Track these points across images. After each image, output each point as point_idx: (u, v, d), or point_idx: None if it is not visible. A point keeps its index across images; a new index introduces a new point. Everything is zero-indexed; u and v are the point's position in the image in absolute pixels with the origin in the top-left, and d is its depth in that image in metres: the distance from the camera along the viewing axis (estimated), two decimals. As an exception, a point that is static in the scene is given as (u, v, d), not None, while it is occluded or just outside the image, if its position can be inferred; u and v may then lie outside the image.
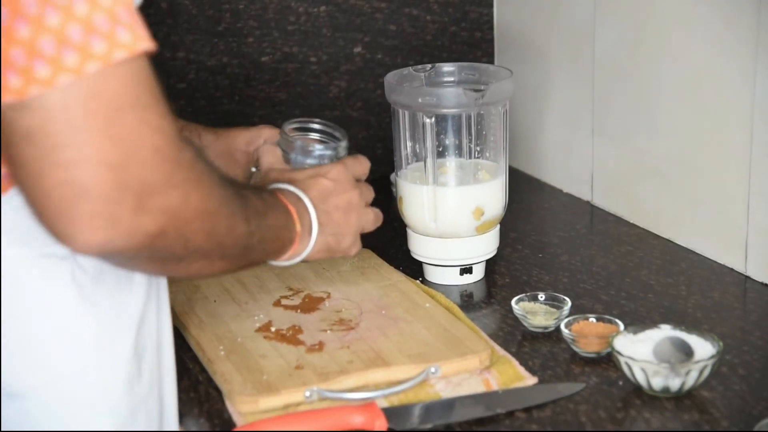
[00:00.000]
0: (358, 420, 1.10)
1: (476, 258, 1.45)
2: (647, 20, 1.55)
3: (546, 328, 1.30)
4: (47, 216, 0.83)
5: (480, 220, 1.43)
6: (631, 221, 1.64)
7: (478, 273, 1.47)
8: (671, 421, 1.11)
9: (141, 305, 1.00)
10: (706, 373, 1.13)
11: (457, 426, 1.11)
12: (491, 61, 1.93)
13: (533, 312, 1.31)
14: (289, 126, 1.33)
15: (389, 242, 1.57)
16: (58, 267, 0.93)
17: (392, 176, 1.70)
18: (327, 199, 1.20)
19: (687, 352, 1.16)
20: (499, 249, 1.49)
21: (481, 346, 1.23)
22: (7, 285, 0.92)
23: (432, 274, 1.46)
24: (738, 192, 1.42)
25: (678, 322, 1.28)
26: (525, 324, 1.31)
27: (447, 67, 1.51)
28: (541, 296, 1.34)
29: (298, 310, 1.35)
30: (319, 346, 1.24)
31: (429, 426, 1.11)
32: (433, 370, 1.19)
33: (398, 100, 1.44)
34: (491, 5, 1.91)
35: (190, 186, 0.90)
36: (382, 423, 1.10)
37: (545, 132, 1.83)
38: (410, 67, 1.50)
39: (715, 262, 1.48)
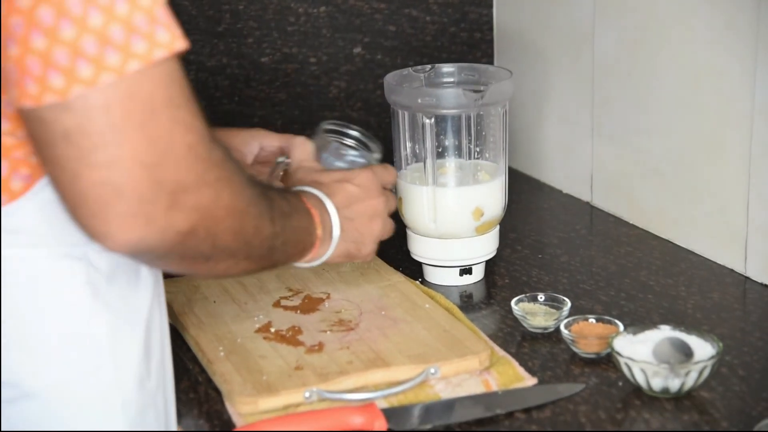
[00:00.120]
0: (357, 420, 1.10)
1: (476, 259, 1.45)
2: (647, 20, 1.55)
3: (546, 328, 1.30)
4: (82, 215, 0.84)
5: (479, 221, 1.43)
6: (631, 222, 1.64)
7: (478, 274, 1.47)
8: (671, 421, 1.11)
9: (148, 303, 1.01)
10: (706, 373, 1.13)
11: (456, 427, 1.11)
12: (491, 62, 1.93)
13: (533, 313, 1.31)
14: (327, 126, 1.33)
15: (389, 243, 1.56)
16: (74, 267, 0.94)
17: (392, 177, 1.70)
18: (351, 205, 1.21)
19: (687, 352, 1.16)
20: (498, 250, 1.49)
21: (481, 346, 1.23)
22: (24, 286, 0.92)
23: (432, 275, 1.46)
24: (738, 193, 1.42)
25: (678, 322, 1.28)
26: (525, 325, 1.31)
27: (446, 68, 1.51)
28: (541, 297, 1.34)
29: (298, 311, 1.35)
30: (319, 347, 1.24)
31: (428, 427, 1.11)
32: (432, 370, 1.19)
33: (398, 101, 1.44)
34: (491, 6, 1.91)
35: (221, 184, 0.91)
36: (381, 423, 1.10)
37: (545, 132, 1.83)
38: (410, 68, 1.50)
39: (715, 262, 1.48)
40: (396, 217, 1.48)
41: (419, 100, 1.41)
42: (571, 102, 1.75)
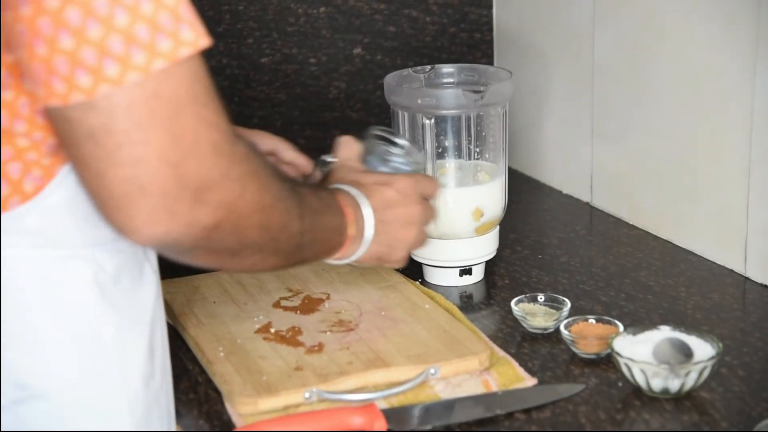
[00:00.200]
0: (357, 421, 1.10)
1: (476, 259, 1.45)
2: (647, 21, 1.55)
3: (545, 329, 1.30)
4: (109, 211, 0.86)
5: (479, 222, 1.43)
6: (631, 222, 1.64)
7: (478, 274, 1.47)
8: (671, 422, 1.11)
9: (152, 303, 1.01)
10: (706, 374, 1.13)
11: (456, 427, 1.11)
12: (491, 63, 1.93)
13: (533, 313, 1.31)
14: (375, 131, 1.33)
15: (389, 243, 1.57)
16: (81, 268, 0.94)
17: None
18: (388, 209, 1.21)
19: (686, 353, 1.16)
20: (498, 250, 1.49)
21: (481, 347, 1.23)
22: (34, 287, 0.93)
23: (431, 275, 1.46)
24: (737, 193, 1.42)
25: (677, 323, 1.28)
26: (524, 325, 1.31)
27: (446, 69, 1.51)
28: (541, 297, 1.34)
29: (298, 312, 1.35)
30: (319, 347, 1.24)
31: (428, 427, 1.11)
32: (432, 371, 1.19)
33: (398, 102, 1.44)
34: (490, 6, 1.91)
35: (246, 180, 0.92)
36: (381, 424, 1.10)
37: (545, 133, 1.83)
38: (410, 69, 1.51)
39: (715, 263, 1.48)
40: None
41: (419, 101, 1.41)
42: (570, 102, 1.75)
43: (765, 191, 1.39)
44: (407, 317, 1.32)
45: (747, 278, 1.43)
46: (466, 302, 1.41)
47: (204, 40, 0.86)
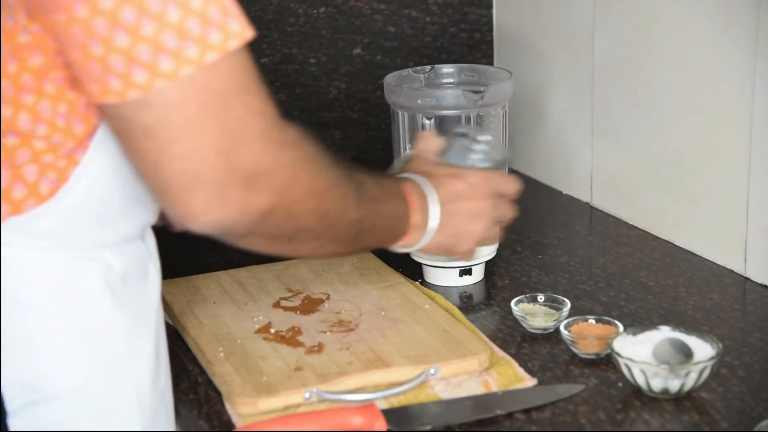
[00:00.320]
0: (357, 421, 1.10)
1: (475, 259, 1.45)
2: (647, 21, 1.55)
3: (545, 329, 1.30)
4: (167, 201, 0.89)
5: (479, 222, 1.43)
6: (631, 222, 1.64)
7: (478, 274, 1.47)
8: (671, 422, 1.11)
9: (156, 303, 1.02)
10: (706, 374, 1.13)
11: (456, 427, 1.11)
12: (490, 63, 1.93)
13: (532, 313, 1.31)
14: (459, 129, 1.33)
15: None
16: (92, 269, 0.95)
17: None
18: (456, 201, 1.20)
19: (686, 353, 1.16)
20: (498, 250, 1.49)
21: (481, 347, 1.23)
22: (46, 288, 0.93)
23: (431, 276, 1.46)
24: (737, 193, 1.42)
25: (677, 323, 1.28)
26: (524, 325, 1.31)
27: (446, 69, 1.52)
28: (541, 297, 1.34)
29: (298, 312, 1.35)
30: (319, 348, 1.24)
31: (428, 427, 1.11)
32: (432, 371, 1.19)
33: (398, 102, 1.44)
34: (490, 6, 1.91)
35: (298, 165, 0.94)
36: (381, 424, 1.10)
37: (545, 133, 1.83)
38: (410, 69, 1.51)
39: (715, 263, 1.48)
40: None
41: (419, 101, 1.41)
42: (570, 103, 1.75)
43: (765, 191, 1.39)
44: (407, 317, 1.32)
45: (747, 278, 1.43)
46: (466, 302, 1.41)
47: (249, 32, 0.88)
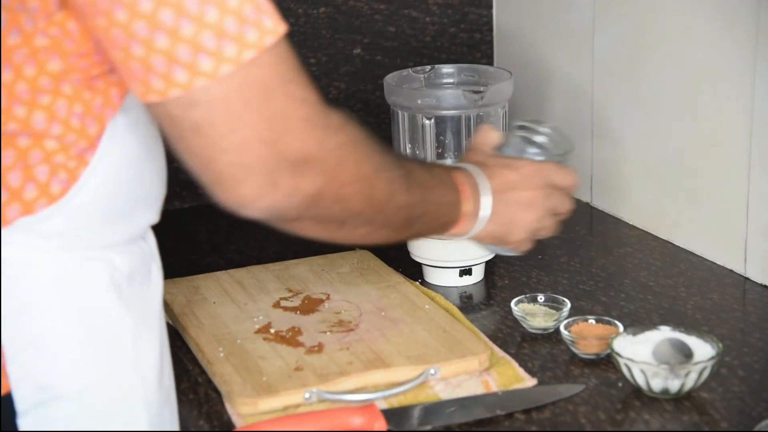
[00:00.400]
0: (357, 421, 1.10)
1: (475, 259, 1.45)
2: (647, 22, 1.55)
3: (545, 329, 1.30)
4: (219, 192, 0.91)
5: (479, 222, 1.43)
6: (631, 223, 1.64)
7: (478, 274, 1.47)
8: (671, 422, 1.11)
9: (159, 302, 1.03)
10: (706, 374, 1.13)
11: (456, 427, 1.11)
12: (490, 63, 1.93)
13: (532, 313, 1.31)
14: (519, 122, 1.31)
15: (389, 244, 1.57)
16: (100, 269, 0.96)
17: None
18: (508, 190, 1.20)
19: (686, 353, 1.16)
20: (498, 250, 1.49)
21: (481, 347, 1.23)
22: (55, 289, 0.94)
23: (431, 276, 1.46)
24: (737, 193, 1.42)
25: (677, 323, 1.28)
26: (524, 325, 1.31)
27: (446, 69, 1.52)
28: (541, 298, 1.34)
29: (298, 312, 1.35)
30: (319, 348, 1.24)
31: (428, 427, 1.11)
32: (432, 371, 1.19)
33: (398, 102, 1.44)
34: (490, 7, 1.91)
35: (344, 149, 0.96)
36: (381, 424, 1.10)
37: (545, 133, 1.83)
38: (410, 69, 1.51)
39: (715, 263, 1.48)
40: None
41: (419, 101, 1.41)
42: (570, 103, 1.75)
43: (765, 191, 1.39)
44: (407, 317, 1.32)
45: (747, 278, 1.43)
46: (466, 302, 1.41)
47: (282, 27, 0.90)
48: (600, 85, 1.67)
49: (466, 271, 1.45)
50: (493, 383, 1.19)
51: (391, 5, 1.85)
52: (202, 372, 1.24)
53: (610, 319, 1.27)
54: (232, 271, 1.47)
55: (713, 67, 1.44)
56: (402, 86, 1.46)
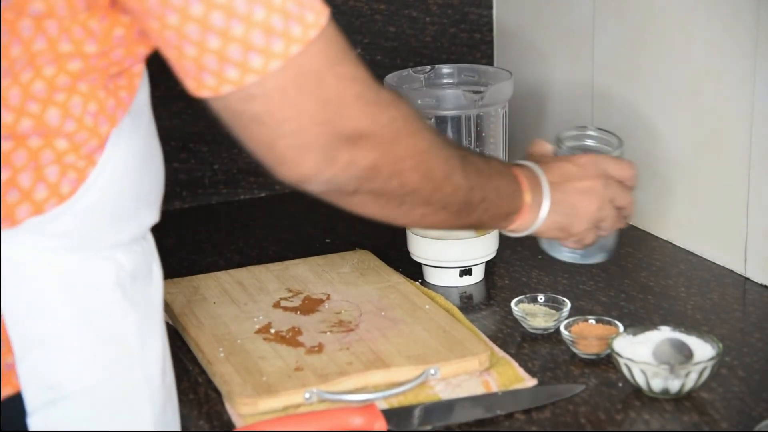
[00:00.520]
0: (357, 421, 1.10)
1: (476, 260, 1.45)
2: (647, 22, 1.55)
3: (545, 329, 1.30)
4: (282, 172, 0.96)
5: (479, 222, 1.43)
6: (631, 223, 1.64)
7: (478, 275, 1.47)
8: (671, 422, 1.11)
9: (160, 301, 1.03)
10: (706, 374, 1.13)
11: (456, 427, 1.11)
12: (491, 63, 1.93)
13: (533, 313, 1.31)
14: (566, 133, 1.32)
15: (389, 244, 1.57)
16: (106, 269, 0.97)
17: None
18: (567, 181, 1.21)
19: (686, 353, 1.16)
20: (498, 251, 1.49)
21: (481, 347, 1.23)
22: (64, 289, 0.95)
23: (431, 276, 1.46)
24: (737, 194, 1.42)
25: (677, 323, 1.28)
26: (524, 325, 1.31)
27: (446, 69, 1.51)
28: (541, 298, 1.34)
29: (298, 312, 1.35)
30: (319, 348, 1.24)
31: (428, 428, 1.11)
32: (432, 371, 1.19)
33: (398, 102, 1.44)
34: (491, 7, 1.91)
35: (397, 124, 0.99)
36: (381, 424, 1.10)
37: (545, 134, 1.83)
38: (410, 69, 1.51)
39: (715, 263, 1.48)
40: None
41: (419, 101, 1.41)
42: (570, 103, 1.75)
43: (765, 191, 1.39)
44: (407, 318, 1.32)
45: (747, 278, 1.43)
46: (466, 303, 1.41)
47: (323, 17, 0.92)
48: (600, 85, 1.67)
49: (466, 271, 1.45)
50: (494, 383, 1.19)
51: (391, 5, 1.85)
52: (202, 372, 1.24)
53: (610, 319, 1.27)
54: (232, 271, 1.47)
55: (713, 67, 1.44)
56: (402, 86, 1.46)
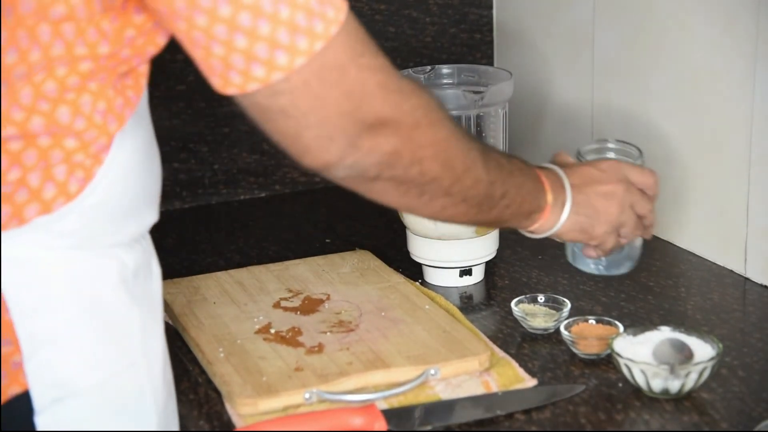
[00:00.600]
0: (357, 421, 1.10)
1: (476, 260, 1.45)
2: (647, 22, 1.55)
3: (546, 329, 1.30)
4: (309, 159, 0.98)
5: (479, 222, 1.43)
6: (631, 223, 1.64)
7: (478, 275, 1.47)
8: (671, 422, 1.11)
9: (160, 299, 1.04)
10: (706, 374, 1.13)
11: (456, 428, 1.11)
12: (491, 63, 1.93)
13: (533, 314, 1.31)
14: (587, 147, 1.34)
15: (389, 244, 1.57)
16: (110, 267, 0.97)
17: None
18: (589, 184, 1.22)
19: (686, 353, 1.16)
20: (498, 251, 1.49)
21: (481, 347, 1.23)
22: (70, 287, 0.95)
23: (431, 276, 1.46)
24: (737, 194, 1.42)
25: (677, 323, 1.28)
26: (524, 326, 1.31)
27: (446, 69, 1.51)
28: (541, 298, 1.34)
29: (298, 312, 1.35)
30: (319, 348, 1.25)
31: (428, 428, 1.11)
32: (432, 371, 1.19)
33: (398, 102, 1.44)
34: (491, 7, 1.91)
35: (419, 112, 1.01)
36: (381, 425, 1.10)
37: (545, 134, 1.83)
38: (410, 69, 1.51)
39: (715, 263, 1.48)
40: (395, 217, 1.48)
41: (419, 101, 1.41)
42: (571, 103, 1.75)
43: (765, 191, 1.39)
44: (407, 318, 1.32)
45: (747, 279, 1.43)
46: (466, 303, 1.41)
47: (343, 13, 0.94)
48: (599, 86, 1.67)
49: (466, 272, 1.45)
50: (494, 383, 1.19)
51: (391, 5, 1.85)
52: (202, 372, 1.24)
53: (611, 320, 1.27)
54: (232, 272, 1.47)
55: (713, 67, 1.44)
56: (402, 86, 1.46)
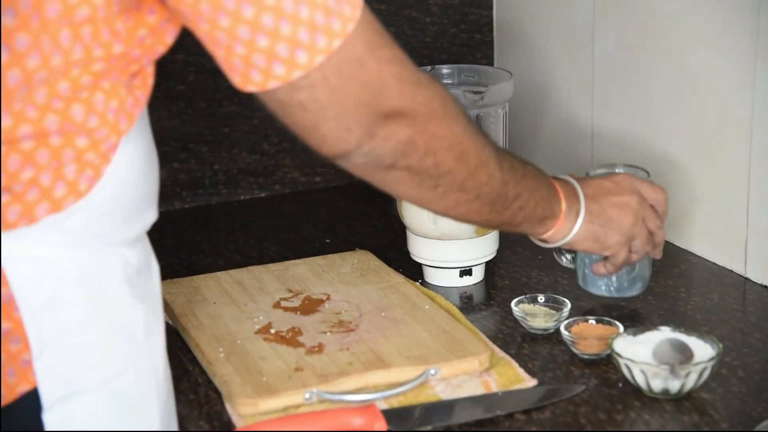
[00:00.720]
0: (357, 422, 1.10)
1: (476, 260, 1.45)
2: (647, 22, 1.55)
3: (546, 329, 1.30)
4: (327, 149, 1.00)
5: (479, 222, 1.43)
6: (631, 223, 1.64)
7: (478, 275, 1.47)
8: (671, 422, 1.11)
9: (160, 296, 1.04)
10: (706, 374, 1.13)
11: (456, 428, 1.11)
12: (491, 63, 1.93)
13: (533, 314, 1.31)
14: (595, 171, 1.36)
15: (389, 244, 1.57)
16: (115, 263, 0.98)
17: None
18: (603, 194, 1.24)
19: (686, 353, 1.16)
20: (498, 251, 1.49)
21: (481, 347, 1.23)
22: (77, 284, 0.96)
23: (431, 276, 1.46)
24: (737, 194, 1.42)
25: (677, 323, 1.28)
26: (524, 326, 1.31)
27: (446, 69, 1.51)
28: (541, 298, 1.34)
29: (298, 312, 1.35)
30: (319, 348, 1.25)
31: (428, 428, 1.11)
32: (432, 371, 1.19)
33: (398, 102, 1.44)
34: (491, 7, 1.91)
35: (434, 104, 1.03)
36: (381, 425, 1.10)
37: (545, 134, 1.83)
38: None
39: (715, 264, 1.48)
40: (395, 218, 1.48)
41: (419, 101, 1.41)
42: (571, 103, 1.75)
43: (765, 191, 1.39)
44: (407, 318, 1.32)
45: (747, 279, 1.43)
46: (466, 303, 1.41)
47: (358, 10, 0.95)
48: (600, 86, 1.67)
49: (466, 272, 1.45)
50: (494, 383, 1.19)
51: (391, 5, 1.85)
52: (203, 372, 1.24)
53: (611, 320, 1.27)
54: (232, 272, 1.47)
55: (713, 67, 1.44)
56: (402, 86, 1.46)
